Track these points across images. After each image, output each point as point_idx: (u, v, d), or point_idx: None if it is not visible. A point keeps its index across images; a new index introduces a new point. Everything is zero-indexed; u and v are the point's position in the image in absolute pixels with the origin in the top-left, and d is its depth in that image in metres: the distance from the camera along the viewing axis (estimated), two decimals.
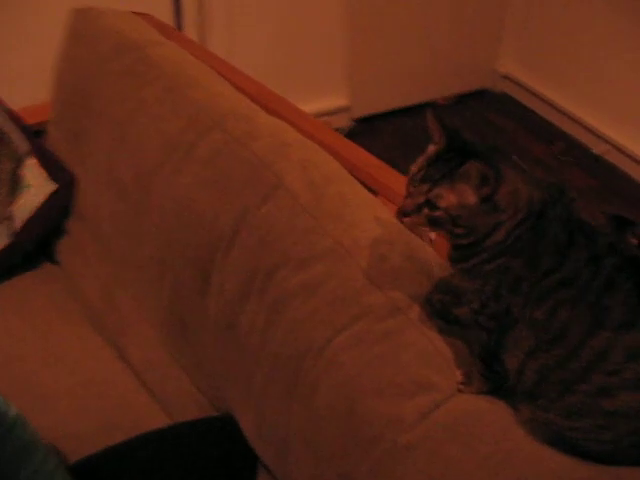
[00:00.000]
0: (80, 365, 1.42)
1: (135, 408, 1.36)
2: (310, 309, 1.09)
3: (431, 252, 1.13)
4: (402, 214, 0.89)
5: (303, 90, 2.24)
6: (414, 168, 0.89)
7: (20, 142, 1.59)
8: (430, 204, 0.85)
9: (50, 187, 1.59)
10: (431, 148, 0.90)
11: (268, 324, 1.15)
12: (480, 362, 0.93)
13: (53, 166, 1.61)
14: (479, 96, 3.41)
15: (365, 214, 1.17)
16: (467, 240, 0.86)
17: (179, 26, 2.46)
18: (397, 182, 1.32)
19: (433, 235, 0.94)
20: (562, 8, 3.02)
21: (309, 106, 2.41)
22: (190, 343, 1.33)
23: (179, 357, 1.37)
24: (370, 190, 1.27)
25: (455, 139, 0.88)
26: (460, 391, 0.95)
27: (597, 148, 2.96)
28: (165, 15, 2.35)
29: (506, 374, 0.90)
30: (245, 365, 1.20)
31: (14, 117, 1.63)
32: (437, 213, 0.85)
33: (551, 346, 0.83)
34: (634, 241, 1.22)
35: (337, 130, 2.23)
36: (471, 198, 0.84)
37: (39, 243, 1.64)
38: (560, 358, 0.82)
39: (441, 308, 1.04)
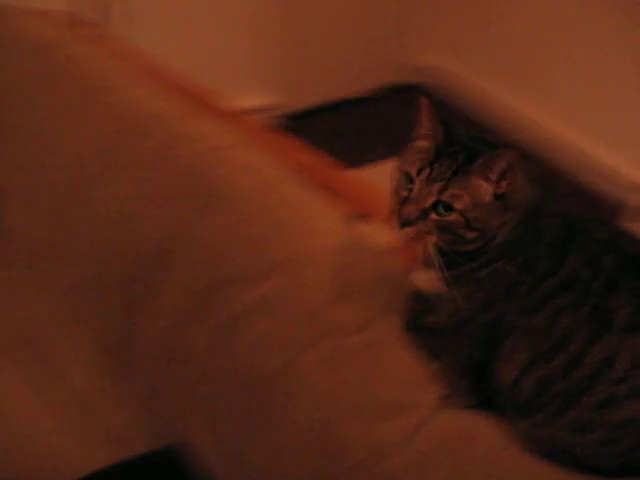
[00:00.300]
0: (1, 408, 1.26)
1: (71, 447, 1.22)
2: (269, 328, 0.98)
3: (395, 257, 1.05)
4: (402, 224, 0.77)
5: (227, 88, 2.13)
6: (410, 168, 0.78)
7: None
8: (442, 207, 0.75)
9: None
10: (423, 143, 0.80)
11: (221, 345, 1.04)
12: (466, 375, 0.85)
13: None
14: (405, 89, 3.37)
15: (319, 220, 1.08)
16: (474, 245, 0.77)
17: (102, 23, 2.27)
18: (349, 182, 1.23)
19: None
20: None
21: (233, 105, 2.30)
22: (134, 369, 1.20)
23: (123, 384, 1.23)
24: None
25: (450, 132, 0.79)
26: (444, 406, 0.87)
27: (520, 134, 2.95)
28: (86, 12, 2.17)
29: (499, 387, 0.82)
30: (198, 390, 1.08)
31: None
32: (451, 217, 0.75)
33: (552, 356, 0.76)
34: None
35: None
36: (487, 196, 0.75)
37: None
38: (562, 368, 0.75)
39: (412, 318, 0.96)
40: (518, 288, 0.76)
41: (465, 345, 0.84)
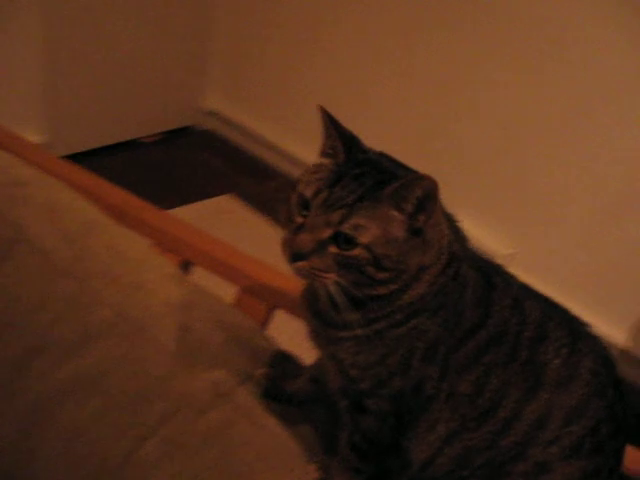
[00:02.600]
0: None
1: None
2: (93, 411, 0.77)
3: (241, 314, 0.90)
4: (293, 257, 0.61)
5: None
6: (305, 190, 0.63)
7: None
8: (342, 239, 0.61)
9: None
10: (324, 162, 0.65)
11: (25, 437, 0.80)
12: (353, 453, 0.72)
13: None
14: (185, 133, 3.24)
15: (148, 270, 0.89)
16: (389, 289, 0.63)
17: None
18: (171, 225, 1.05)
19: None
20: (264, 45, 3.00)
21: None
22: None
23: None
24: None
25: (355, 150, 0.65)
26: None
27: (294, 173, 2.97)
28: None
29: (404, 463, 0.70)
30: None
31: None
32: (354, 252, 0.60)
33: (480, 424, 0.65)
34: None
35: None
36: (400, 230, 0.61)
37: None
38: (490, 436, 0.65)
39: (270, 386, 0.81)
40: (440, 348, 0.64)
41: (358, 419, 0.70)
